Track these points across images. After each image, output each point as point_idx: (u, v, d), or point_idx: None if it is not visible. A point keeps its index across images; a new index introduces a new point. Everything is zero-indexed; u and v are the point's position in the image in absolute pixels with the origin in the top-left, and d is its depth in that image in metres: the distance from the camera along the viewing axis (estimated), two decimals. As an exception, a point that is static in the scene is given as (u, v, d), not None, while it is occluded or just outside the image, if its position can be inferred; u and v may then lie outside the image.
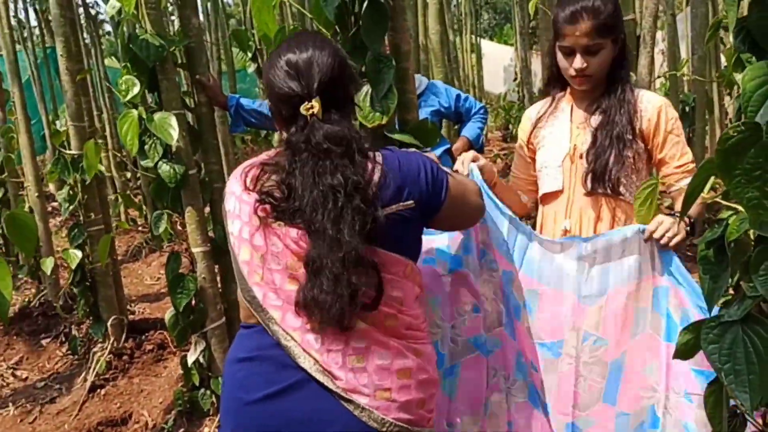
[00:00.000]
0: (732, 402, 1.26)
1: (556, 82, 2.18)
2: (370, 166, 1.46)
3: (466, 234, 1.90)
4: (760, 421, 1.25)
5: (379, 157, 1.50)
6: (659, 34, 6.92)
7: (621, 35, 2.02)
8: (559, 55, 2.04)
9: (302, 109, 1.43)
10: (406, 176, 1.49)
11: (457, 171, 1.98)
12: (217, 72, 7.34)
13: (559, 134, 2.16)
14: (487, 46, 15.05)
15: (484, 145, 4.13)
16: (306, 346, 1.44)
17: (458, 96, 3.69)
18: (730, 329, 1.20)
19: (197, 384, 3.08)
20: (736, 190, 1.11)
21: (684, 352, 1.29)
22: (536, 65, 10.23)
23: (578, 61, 1.98)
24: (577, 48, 1.97)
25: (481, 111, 3.78)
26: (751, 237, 1.21)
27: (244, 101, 3.16)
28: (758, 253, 1.17)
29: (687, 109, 5.69)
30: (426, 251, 1.89)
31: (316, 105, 1.43)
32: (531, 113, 2.28)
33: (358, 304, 1.41)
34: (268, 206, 1.46)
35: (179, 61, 2.94)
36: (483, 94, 13.53)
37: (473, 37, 12.65)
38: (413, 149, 1.69)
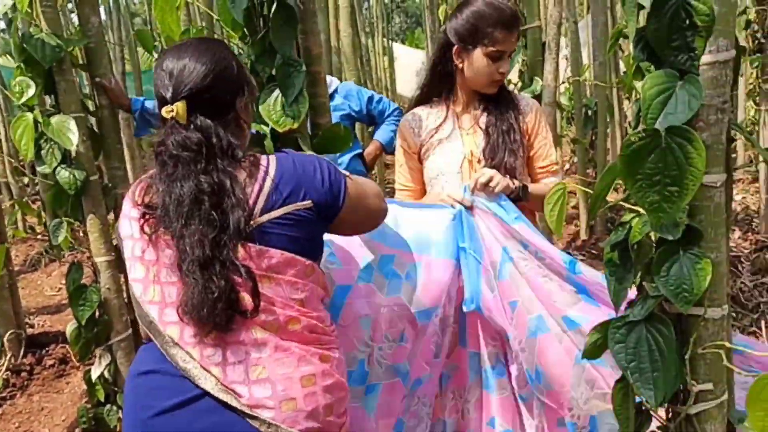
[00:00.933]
0: (638, 399, 1.30)
1: (441, 87, 2.19)
2: (246, 171, 1.46)
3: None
4: (663, 415, 1.30)
5: (267, 161, 1.50)
6: (563, 41, 7.16)
7: None
8: (482, 61, 2.04)
9: (163, 112, 1.45)
10: (301, 177, 1.49)
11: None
12: (121, 73, 7.06)
13: (450, 140, 2.16)
14: (399, 49, 15.15)
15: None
16: (206, 364, 1.40)
17: (370, 98, 3.64)
18: (634, 329, 1.24)
19: (102, 400, 2.93)
20: (637, 194, 1.15)
21: (592, 351, 1.33)
22: (447, 69, 10.35)
23: (506, 65, 2.03)
24: (507, 52, 2.02)
25: (395, 113, 3.72)
26: (653, 239, 1.25)
27: (149, 104, 3.04)
28: (660, 255, 1.21)
29: (589, 112, 5.92)
30: (364, 268, 1.87)
31: (176, 109, 1.43)
32: (412, 123, 2.23)
33: (234, 303, 1.39)
34: (152, 219, 1.44)
35: (78, 62, 2.80)
36: (396, 96, 13.62)
37: (385, 40, 12.72)
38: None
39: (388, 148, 3.72)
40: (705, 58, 1.15)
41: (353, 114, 3.56)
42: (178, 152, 1.42)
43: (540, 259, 1.87)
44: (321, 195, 1.50)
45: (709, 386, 1.23)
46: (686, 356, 1.22)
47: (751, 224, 5.42)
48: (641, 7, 1.17)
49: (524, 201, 2.01)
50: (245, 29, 1.90)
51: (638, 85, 1.21)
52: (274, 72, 1.86)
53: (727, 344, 1.21)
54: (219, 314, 1.38)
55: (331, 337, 1.55)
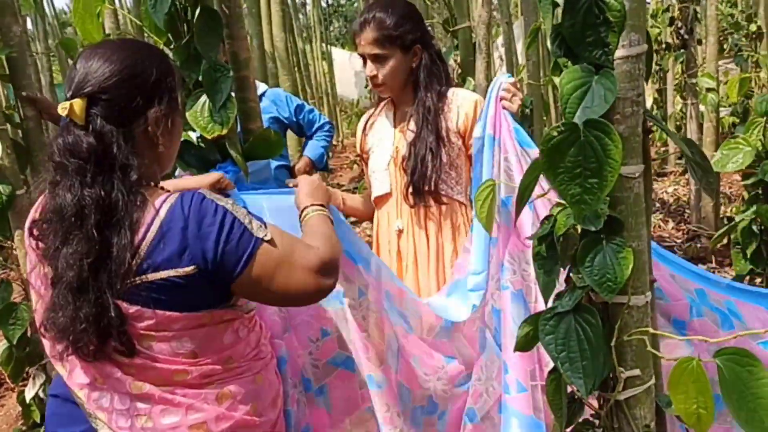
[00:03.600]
0: (570, 389, 1.33)
1: None
2: (137, 205, 1.29)
3: None
4: (595, 403, 1.33)
5: (161, 203, 1.31)
6: (499, 40, 7.26)
7: (416, 43, 2.11)
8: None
9: (59, 109, 1.29)
10: (191, 236, 1.29)
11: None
12: (49, 83, 6.84)
13: (384, 139, 2.25)
14: (338, 53, 15.16)
15: (328, 165, 4.04)
16: (91, 408, 1.34)
17: (299, 106, 3.58)
18: (563, 319, 1.26)
19: (38, 421, 2.83)
20: (560, 187, 1.17)
21: (524, 343, 1.35)
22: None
23: (368, 68, 2.10)
24: (366, 56, 2.08)
25: (326, 128, 3.67)
26: (577, 231, 1.28)
27: None
28: (584, 246, 1.24)
29: (526, 111, 6.02)
30: None
31: (71, 106, 1.28)
32: (361, 122, 2.36)
33: (104, 335, 1.29)
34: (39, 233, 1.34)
35: (0, 73, 2.70)
36: (336, 101, 13.63)
37: (324, 45, 12.71)
38: (228, 199, 1.40)
39: (318, 165, 3.69)
40: (618, 53, 1.19)
41: (281, 119, 3.51)
42: (62, 159, 1.27)
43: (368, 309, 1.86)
44: (209, 261, 1.30)
45: (636, 372, 1.26)
46: (613, 344, 1.24)
47: (683, 215, 5.62)
48: (556, 4, 1.20)
49: None
50: (170, 35, 1.87)
51: (557, 80, 1.24)
52: (200, 77, 1.83)
53: (651, 330, 1.24)
54: (86, 343, 1.29)
55: (243, 365, 1.43)
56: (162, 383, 1.34)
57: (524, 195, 1.36)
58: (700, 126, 5.02)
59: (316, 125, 3.64)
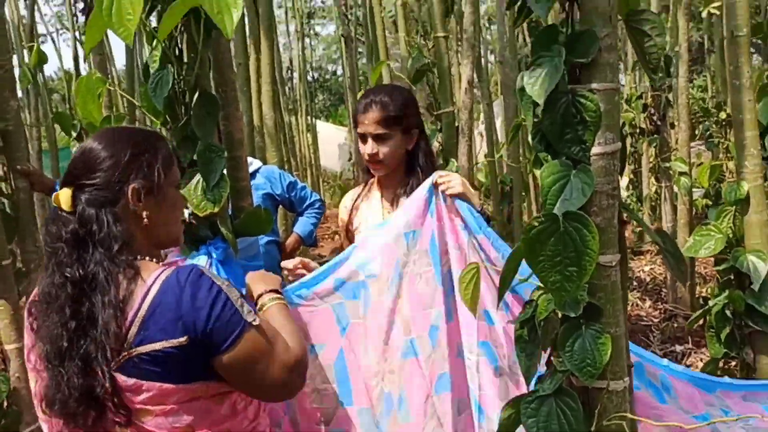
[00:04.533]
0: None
1: (367, 168, 2.35)
2: (127, 279, 1.34)
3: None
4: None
5: (154, 279, 1.35)
6: (480, 118, 7.46)
7: (414, 128, 2.23)
8: (359, 142, 2.23)
9: (53, 199, 1.40)
10: (184, 308, 1.32)
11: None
12: (37, 151, 6.89)
13: (373, 218, 2.31)
14: (322, 126, 15.43)
15: (317, 241, 4.11)
16: None
17: (292, 183, 3.68)
18: (545, 402, 1.30)
19: (10, 498, 2.75)
20: (541, 274, 1.23)
21: (507, 426, 1.38)
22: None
23: (369, 147, 2.18)
24: (368, 135, 2.17)
25: (317, 205, 3.76)
26: (558, 315, 1.33)
27: None
28: (564, 331, 1.30)
29: (506, 189, 6.16)
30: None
31: (56, 196, 1.38)
32: (346, 200, 2.43)
33: (94, 400, 1.32)
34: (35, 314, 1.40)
35: (-6, 145, 2.75)
36: (320, 172, 13.79)
37: (309, 118, 12.95)
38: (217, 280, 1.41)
39: (307, 241, 3.77)
40: (595, 150, 1.27)
41: (275, 195, 3.60)
42: (51, 245, 1.36)
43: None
44: (199, 332, 1.33)
45: (616, 456, 1.29)
46: (593, 429, 1.28)
47: (660, 293, 5.70)
48: (536, 103, 1.29)
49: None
50: (167, 116, 1.94)
51: (538, 173, 1.32)
52: (195, 157, 1.89)
53: (629, 416, 1.28)
54: (82, 414, 1.32)
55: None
56: None
57: (506, 279, 1.42)
58: (675, 208, 5.16)
59: (307, 202, 3.72)
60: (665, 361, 1.77)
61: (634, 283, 5.90)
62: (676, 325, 4.86)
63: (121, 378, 1.32)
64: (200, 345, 1.33)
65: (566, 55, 1.26)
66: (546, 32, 1.31)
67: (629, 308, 1.50)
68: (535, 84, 1.26)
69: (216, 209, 1.89)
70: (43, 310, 1.36)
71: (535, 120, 1.32)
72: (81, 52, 6.79)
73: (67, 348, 1.31)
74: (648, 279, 6.12)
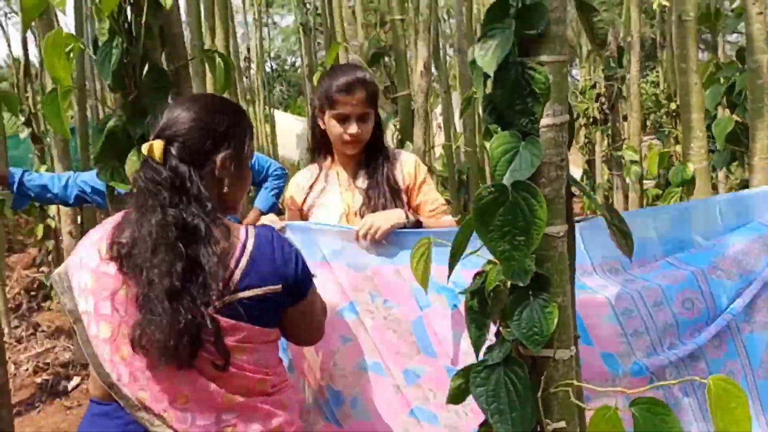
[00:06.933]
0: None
1: (320, 149, 2.35)
2: (222, 235, 1.47)
3: None
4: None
5: (246, 234, 1.52)
6: (438, 109, 7.51)
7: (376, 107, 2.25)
8: (332, 123, 2.20)
9: (142, 149, 1.49)
10: (278, 262, 1.52)
11: None
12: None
13: (331, 197, 2.30)
14: (281, 116, 15.32)
15: (281, 212, 3.92)
16: (178, 427, 1.43)
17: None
18: (494, 372, 1.31)
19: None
20: (490, 244, 1.24)
21: (456, 395, 1.39)
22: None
23: (354, 127, 2.16)
24: (352, 115, 2.14)
25: (277, 173, 3.46)
26: (507, 287, 1.35)
27: (31, 176, 2.90)
28: (512, 301, 1.31)
29: (463, 178, 6.21)
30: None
31: (150, 145, 1.47)
32: (300, 180, 2.37)
33: (197, 340, 1.40)
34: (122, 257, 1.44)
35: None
36: (278, 161, 13.74)
37: (267, 108, 12.84)
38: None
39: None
40: (544, 121, 1.29)
41: None
42: (146, 185, 1.45)
43: (387, 308, 1.95)
44: (290, 281, 1.53)
45: (562, 424, 1.31)
46: (539, 396, 1.30)
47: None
48: (487, 76, 1.29)
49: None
50: (118, 90, 1.90)
51: (488, 145, 1.33)
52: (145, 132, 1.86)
53: (575, 383, 1.30)
54: (184, 347, 1.39)
55: (286, 378, 1.64)
56: (247, 393, 1.50)
57: (457, 252, 1.43)
58: (626, 196, 5.28)
59: (266, 172, 3.43)
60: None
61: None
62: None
63: (223, 319, 1.44)
64: (288, 293, 1.53)
65: (517, 28, 1.27)
66: (498, 5, 1.31)
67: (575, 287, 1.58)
68: (486, 55, 1.27)
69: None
70: (143, 251, 1.41)
71: (487, 93, 1.33)
72: (31, 38, 6.62)
73: (175, 288, 1.39)
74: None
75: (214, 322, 1.42)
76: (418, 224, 2.13)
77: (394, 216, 2.08)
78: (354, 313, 2.01)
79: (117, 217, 1.54)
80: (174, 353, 1.39)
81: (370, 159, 2.26)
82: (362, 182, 2.27)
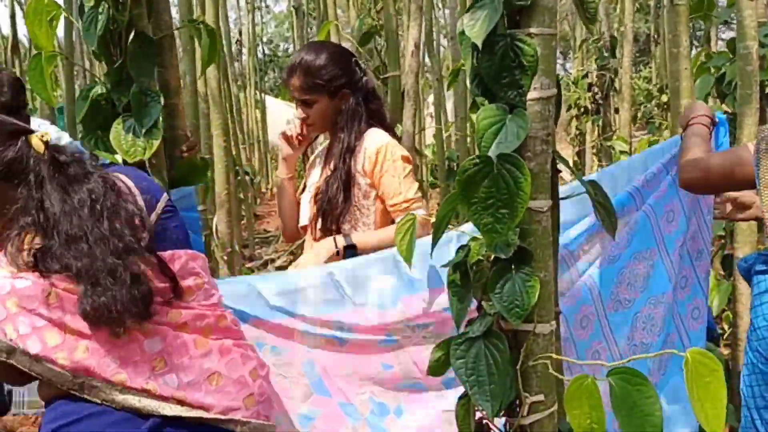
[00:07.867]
0: (478, 414, 1.37)
1: None
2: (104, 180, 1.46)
3: None
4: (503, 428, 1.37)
5: (114, 175, 1.51)
6: (430, 98, 7.50)
7: (343, 89, 2.17)
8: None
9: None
10: (145, 181, 1.58)
11: None
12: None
13: (314, 174, 2.33)
14: (272, 102, 15.26)
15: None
16: (165, 392, 1.38)
17: None
18: (474, 344, 1.31)
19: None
20: (473, 217, 1.24)
21: (436, 368, 1.39)
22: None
23: (299, 111, 2.20)
24: (299, 99, 2.18)
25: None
26: (489, 260, 1.34)
27: None
28: (494, 273, 1.30)
29: (453, 165, 6.21)
30: None
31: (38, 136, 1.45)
32: (317, 148, 2.49)
33: (146, 291, 1.37)
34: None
35: None
36: (267, 148, 13.68)
37: (258, 93, 12.79)
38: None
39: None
40: (531, 95, 1.28)
41: None
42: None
43: (276, 355, 1.85)
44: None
45: (541, 397, 1.31)
46: (519, 368, 1.30)
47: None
48: (476, 47, 1.28)
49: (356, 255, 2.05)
50: (103, 57, 1.88)
51: (474, 117, 1.32)
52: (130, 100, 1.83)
53: (554, 356, 1.30)
54: (140, 295, 1.37)
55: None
56: (213, 332, 1.48)
57: (441, 226, 1.43)
58: (615, 187, 5.28)
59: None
60: None
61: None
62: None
63: (152, 256, 1.42)
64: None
65: (506, -1, 1.26)
66: (487, -24, 1.30)
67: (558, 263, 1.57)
68: (474, 25, 1.26)
69: (146, 156, 1.83)
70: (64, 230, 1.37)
71: (475, 65, 1.32)
72: (19, 11, 6.53)
73: (108, 239, 1.37)
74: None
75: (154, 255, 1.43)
76: (352, 247, 2.09)
77: (323, 251, 2.08)
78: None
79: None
80: (132, 304, 1.35)
81: (336, 141, 2.22)
82: (332, 164, 2.22)
